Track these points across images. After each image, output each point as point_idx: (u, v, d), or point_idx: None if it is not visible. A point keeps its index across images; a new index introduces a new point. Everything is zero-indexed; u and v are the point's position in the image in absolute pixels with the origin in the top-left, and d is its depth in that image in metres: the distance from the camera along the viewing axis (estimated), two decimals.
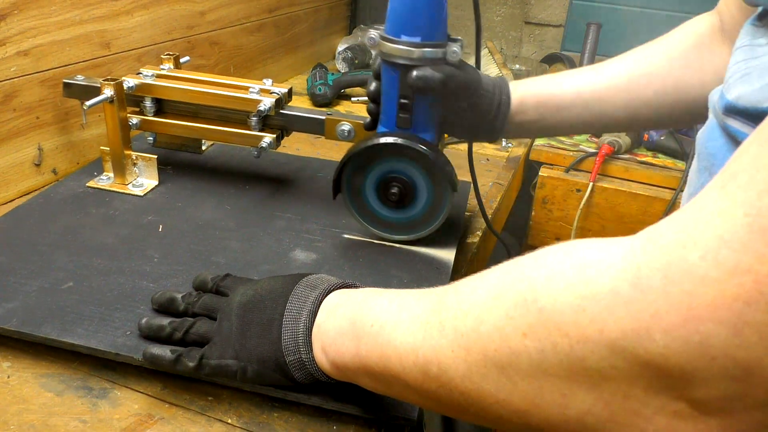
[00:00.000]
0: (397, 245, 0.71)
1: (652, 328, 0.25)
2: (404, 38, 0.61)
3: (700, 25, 0.63)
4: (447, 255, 0.71)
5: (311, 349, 0.45)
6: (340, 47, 1.52)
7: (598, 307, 0.27)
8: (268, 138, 0.77)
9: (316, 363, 0.45)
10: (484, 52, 1.29)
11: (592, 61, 1.44)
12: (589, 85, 0.65)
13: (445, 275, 0.67)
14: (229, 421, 0.50)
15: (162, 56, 0.84)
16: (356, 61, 1.48)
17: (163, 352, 0.48)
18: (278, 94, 0.77)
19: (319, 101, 1.26)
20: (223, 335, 0.48)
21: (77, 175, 0.82)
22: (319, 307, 0.46)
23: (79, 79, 0.80)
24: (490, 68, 1.24)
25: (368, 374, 0.41)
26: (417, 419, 0.49)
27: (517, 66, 1.48)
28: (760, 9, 0.44)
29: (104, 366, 0.53)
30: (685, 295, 0.24)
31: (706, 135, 0.44)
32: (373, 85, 0.67)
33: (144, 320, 0.52)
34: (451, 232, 0.74)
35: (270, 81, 0.79)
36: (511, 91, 0.67)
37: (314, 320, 0.45)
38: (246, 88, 0.77)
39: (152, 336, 0.51)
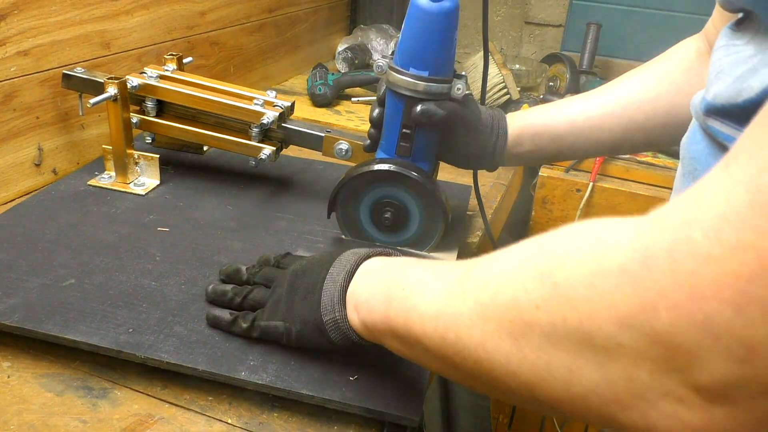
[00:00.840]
0: (399, 247, 0.72)
1: (659, 306, 0.25)
2: (412, 71, 0.62)
3: (688, 49, 0.66)
4: (449, 256, 0.71)
5: (344, 309, 0.47)
6: (340, 47, 1.52)
7: (608, 283, 0.27)
8: (267, 150, 0.77)
9: (348, 323, 0.47)
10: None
11: (591, 62, 1.44)
12: (581, 114, 0.68)
13: None
14: (229, 421, 0.50)
15: (165, 56, 0.84)
16: (356, 61, 1.48)
17: (223, 314, 0.54)
18: (282, 108, 0.77)
19: (319, 101, 1.26)
20: (274, 300, 0.52)
21: (79, 173, 0.82)
22: (356, 270, 0.48)
23: (79, 72, 0.80)
24: (490, 69, 1.24)
25: (395, 336, 0.42)
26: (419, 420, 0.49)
27: (517, 66, 1.48)
28: (740, 15, 0.45)
29: (104, 366, 0.53)
30: (690, 274, 0.25)
31: (689, 139, 0.45)
32: (376, 111, 0.69)
33: (210, 286, 0.57)
34: (453, 233, 0.74)
35: (274, 93, 0.79)
36: (508, 125, 0.69)
37: (350, 282, 0.47)
38: (250, 99, 0.77)
39: (216, 300, 0.56)
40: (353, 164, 0.72)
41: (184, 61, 0.86)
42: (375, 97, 1.31)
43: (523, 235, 1.25)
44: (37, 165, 0.83)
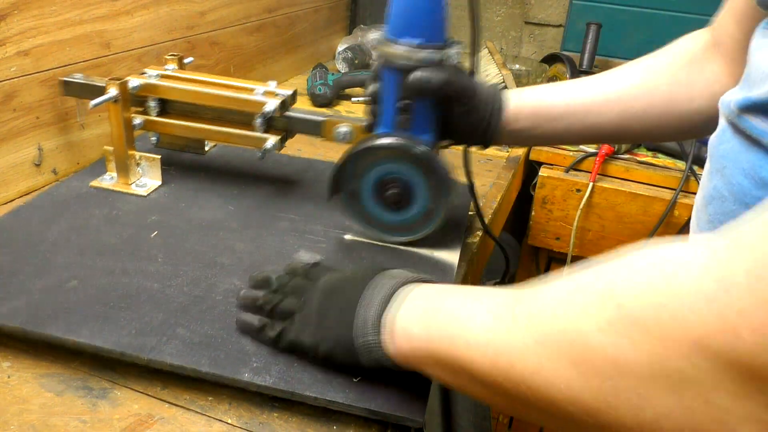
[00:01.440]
0: (401, 246, 0.71)
1: (739, 327, 0.24)
2: (405, 40, 0.61)
3: (693, 42, 0.65)
4: (451, 256, 0.70)
5: (380, 334, 0.46)
6: (340, 47, 1.52)
7: (681, 304, 0.26)
8: (272, 140, 0.76)
9: (382, 348, 0.46)
10: (483, 52, 1.29)
11: (591, 62, 1.44)
12: (580, 97, 0.67)
13: (450, 277, 0.67)
14: (229, 421, 0.50)
15: (166, 56, 0.84)
16: (356, 61, 1.48)
17: (252, 319, 0.54)
18: (283, 96, 0.77)
19: (319, 101, 1.26)
20: (304, 314, 0.51)
21: (80, 174, 0.82)
22: (392, 295, 0.47)
23: (78, 78, 0.80)
24: (489, 68, 1.24)
25: (436, 363, 0.41)
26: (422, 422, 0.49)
27: (517, 66, 1.47)
28: None
29: (104, 366, 0.53)
30: None
31: (718, 138, 0.44)
32: (371, 87, 0.67)
33: (243, 291, 0.57)
34: (455, 232, 0.74)
35: (275, 83, 0.79)
36: (506, 100, 0.68)
37: (387, 307, 0.47)
38: (251, 90, 0.77)
39: (247, 305, 0.56)
40: None
41: (185, 61, 0.86)
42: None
43: (523, 235, 1.22)
44: (37, 165, 0.83)
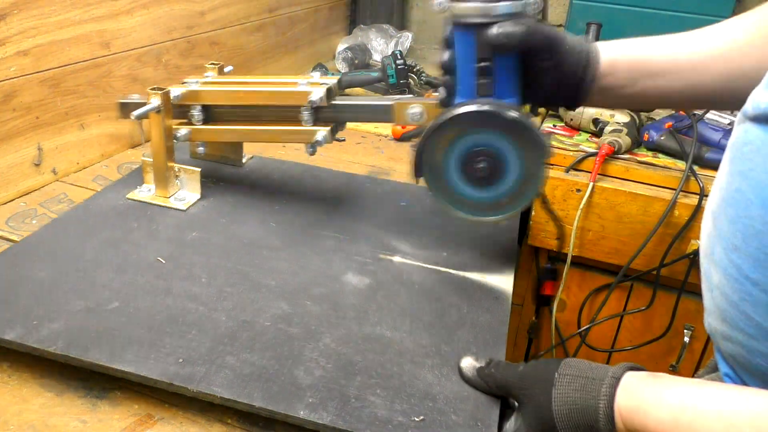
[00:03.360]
0: (453, 271, 0.69)
1: None
2: None
3: None
4: (505, 283, 0.68)
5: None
6: (340, 47, 1.52)
7: None
8: (322, 131, 0.73)
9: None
10: None
11: None
12: (686, 52, 0.60)
13: (505, 304, 0.64)
14: (229, 421, 0.50)
15: (206, 65, 0.82)
16: (356, 61, 1.48)
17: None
18: (328, 84, 0.73)
19: None
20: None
21: (116, 185, 0.80)
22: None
23: (135, 98, 0.78)
24: None
25: None
26: None
27: None
28: None
29: None
30: None
31: (740, 140, 0.43)
32: (446, 54, 0.60)
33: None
34: (507, 257, 0.71)
35: (318, 74, 0.76)
36: (600, 51, 0.61)
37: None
38: (294, 83, 0.74)
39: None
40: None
41: (225, 69, 0.84)
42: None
43: (523, 235, 1.22)
44: (37, 165, 0.83)
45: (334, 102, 0.73)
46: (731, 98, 0.60)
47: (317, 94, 0.71)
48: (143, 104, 0.73)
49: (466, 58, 0.58)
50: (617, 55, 0.60)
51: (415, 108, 0.70)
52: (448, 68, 0.61)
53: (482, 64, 0.58)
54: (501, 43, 0.56)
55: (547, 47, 0.58)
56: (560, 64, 0.59)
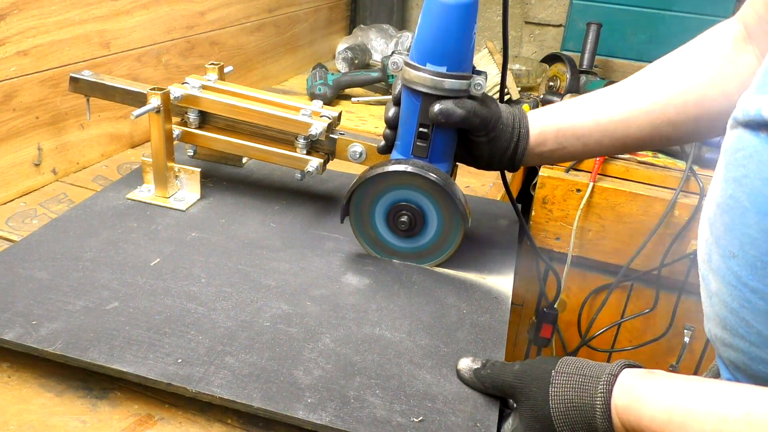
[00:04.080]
0: (452, 272, 0.69)
1: None
2: (429, 66, 0.60)
3: (722, 36, 0.62)
4: (505, 284, 0.68)
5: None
6: (340, 47, 1.52)
7: None
8: (315, 162, 0.74)
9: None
10: (483, 52, 1.29)
11: (592, 61, 1.43)
12: (608, 112, 0.64)
13: (505, 305, 0.65)
14: (229, 421, 0.50)
15: (206, 65, 0.82)
16: (356, 61, 1.48)
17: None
18: (329, 118, 0.74)
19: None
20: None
21: (115, 185, 0.80)
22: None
23: (87, 75, 0.79)
24: (489, 68, 1.23)
25: None
26: None
27: (517, 66, 1.47)
28: None
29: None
30: None
31: (733, 145, 0.43)
32: (391, 111, 0.66)
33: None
34: (507, 259, 0.72)
35: (320, 103, 0.76)
36: (529, 123, 0.66)
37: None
38: (296, 109, 0.74)
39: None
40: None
41: (225, 70, 0.84)
42: (375, 97, 1.31)
43: (523, 235, 1.22)
44: (37, 165, 0.83)
45: (331, 135, 0.75)
46: (660, 142, 0.66)
47: (317, 128, 0.72)
48: (95, 83, 0.76)
49: (410, 120, 0.64)
50: (545, 125, 0.66)
51: (356, 147, 0.74)
52: (391, 124, 0.66)
53: (422, 129, 0.63)
54: (440, 121, 0.61)
55: (482, 127, 0.63)
56: (494, 140, 0.65)
